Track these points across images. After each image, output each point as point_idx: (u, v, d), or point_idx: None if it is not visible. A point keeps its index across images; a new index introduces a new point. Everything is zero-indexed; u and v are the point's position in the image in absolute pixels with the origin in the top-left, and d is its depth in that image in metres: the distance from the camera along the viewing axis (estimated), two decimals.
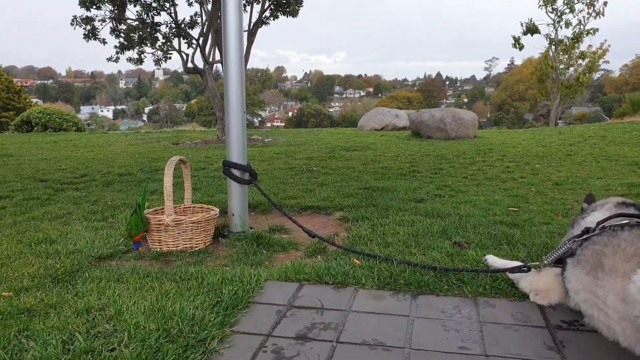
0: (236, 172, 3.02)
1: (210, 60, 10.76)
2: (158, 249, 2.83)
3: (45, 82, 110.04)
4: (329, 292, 2.15)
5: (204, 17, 10.91)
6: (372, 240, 2.82)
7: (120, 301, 2.03)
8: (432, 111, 9.79)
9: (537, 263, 1.98)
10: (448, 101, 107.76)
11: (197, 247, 2.87)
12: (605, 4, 19.41)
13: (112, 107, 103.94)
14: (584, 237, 1.78)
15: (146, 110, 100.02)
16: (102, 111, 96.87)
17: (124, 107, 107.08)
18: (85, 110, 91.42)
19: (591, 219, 1.93)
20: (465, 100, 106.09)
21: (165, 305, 1.97)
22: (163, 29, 10.63)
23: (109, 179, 5.27)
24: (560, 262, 1.87)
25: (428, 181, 4.76)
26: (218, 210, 3.06)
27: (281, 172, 5.52)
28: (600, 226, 1.77)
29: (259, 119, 74.80)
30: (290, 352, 1.65)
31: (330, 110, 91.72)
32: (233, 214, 3.08)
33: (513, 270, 2.04)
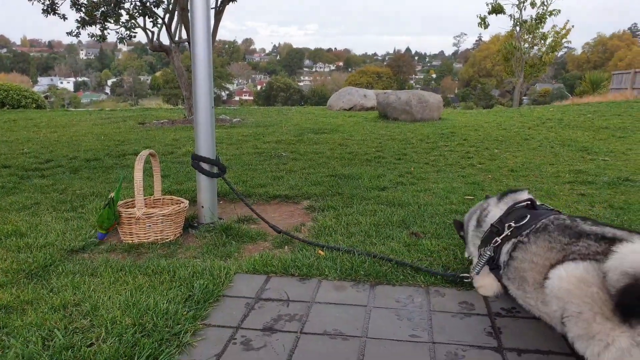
0: (205, 166, 3.12)
1: (177, 39, 10.57)
2: (130, 241, 2.92)
3: None
4: (294, 284, 2.31)
5: None
6: (336, 231, 2.98)
7: (95, 296, 2.14)
8: (398, 93, 9.97)
9: (467, 275, 2.22)
10: (417, 77, 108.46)
11: (167, 238, 2.97)
12: None
13: (73, 79, 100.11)
14: (497, 244, 2.02)
15: (109, 82, 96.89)
16: (61, 83, 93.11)
17: (85, 79, 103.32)
18: (43, 82, 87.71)
19: (487, 214, 2.22)
20: (434, 76, 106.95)
21: (139, 299, 2.09)
22: (127, 5, 10.33)
23: (76, 164, 5.25)
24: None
25: (392, 167, 4.96)
26: (187, 202, 3.16)
27: (250, 157, 5.62)
28: (512, 228, 1.99)
29: (227, 92, 73.63)
30: (258, 344, 1.81)
31: (299, 84, 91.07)
32: (202, 206, 3.19)
33: (448, 277, 2.26)
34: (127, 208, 3.01)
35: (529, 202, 2.11)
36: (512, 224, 1.99)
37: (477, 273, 2.11)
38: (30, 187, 4.24)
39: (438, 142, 6.79)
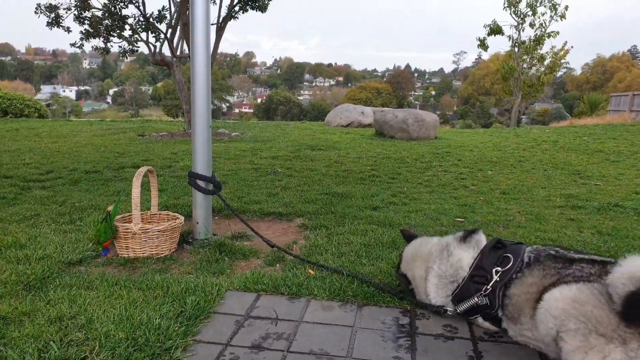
0: (201, 183, 3.20)
1: (179, 53, 10.74)
2: (125, 255, 2.99)
3: (3, 58, 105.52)
4: (284, 302, 2.38)
5: (173, 9, 10.86)
6: (327, 250, 3.05)
7: (90, 309, 2.20)
8: (395, 112, 10.11)
9: (451, 309, 2.16)
10: (416, 93, 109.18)
11: (162, 253, 3.04)
12: (566, 8, 20.18)
13: (75, 88, 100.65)
14: (489, 290, 2.01)
15: (111, 92, 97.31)
16: (64, 91, 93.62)
17: (87, 87, 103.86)
18: (46, 90, 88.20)
19: (459, 265, 2.15)
20: (433, 93, 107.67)
21: (133, 314, 2.16)
22: (130, 21, 10.51)
23: (76, 176, 5.33)
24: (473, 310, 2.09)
25: (385, 187, 5.05)
26: (183, 218, 3.23)
27: (246, 173, 5.70)
28: (500, 273, 2.00)
29: (227, 104, 74.02)
30: None
31: (299, 98, 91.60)
32: (197, 222, 3.26)
33: (433, 309, 2.22)
34: (124, 223, 3.09)
35: (498, 242, 2.14)
36: (499, 269, 2.00)
37: (464, 312, 2.12)
38: (31, 198, 4.32)
39: (433, 161, 6.89)
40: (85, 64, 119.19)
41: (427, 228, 3.53)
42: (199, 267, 2.83)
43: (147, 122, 14.46)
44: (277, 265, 2.90)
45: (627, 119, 20.34)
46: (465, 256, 2.14)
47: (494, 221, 3.80)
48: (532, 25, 20.52)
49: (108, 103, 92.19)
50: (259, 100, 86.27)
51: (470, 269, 2.09)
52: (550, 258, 1.91)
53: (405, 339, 2.04)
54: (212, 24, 10.22)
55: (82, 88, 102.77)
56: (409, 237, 2.56)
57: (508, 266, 1.98)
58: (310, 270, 2.71)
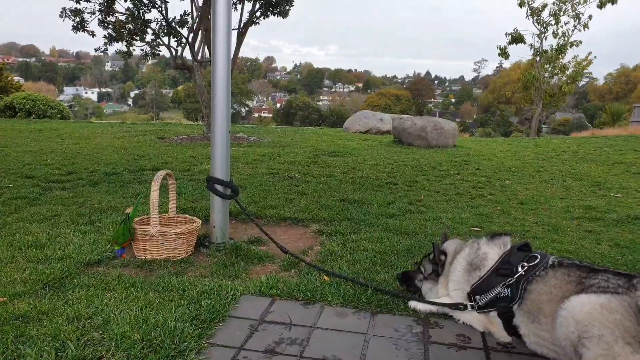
0: (219, 188, 3.24)
1: (200, 58, 10.87)
2: (143, 257, 3.03)
3: (28, 60, 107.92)
4: (298, 308, 2.39)
5: (195, 13, 11.01)
6: (342, 257, 3.06)
7: (107, 310, 2.24)
8: (414, 119, 10.08)
9: (472, 303, 2.19)
10: (436, 100, 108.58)
11: (179, 256, 3.08)
12: (590, 17, 19.89)
13: (97, 90, 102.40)
14: (513, 281, 2.05)
15: (132, 94, 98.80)
16: (86, 93, 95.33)
17: (109, 90, 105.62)
18: (68, 92, 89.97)
19: (485, 257, 2.22)
20: (453, 100, 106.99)
21: (149, 316, 2.19)
22: (153, 25, 10.69)
23: (96, 178, 5.43)
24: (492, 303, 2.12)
25: (402, 194, 5.03)
26: (200, 222, 3.27)
27: (264, 178, 5.74)
28: (526, 267, 2.04)
29: (246, 109, 74.62)
30: None
31: (318, 103, 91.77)
32: (214, 226, 3.29)
33: (452, 306, 2.27)
34: (142, 225, 3.13)
35: (525, 245, 2.21)
36: (525, 264, 2.06)
37: (483, 305, 2.14)
38: (52, 198, 4.41)
39: (451, 170, 6.84)
40: (108, 66, 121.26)
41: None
42: (214, 271, 2.85)
43: (167, 125, 14.65)
44: (293, 270, 2.91)
45: None
46: (491, 252, 2.24)
47: (510, 231, 3.75)
48: (555, 34, 20.27)
49: (129, 105, 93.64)
50: (278, 105, 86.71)
51: (495, 263, 2.17)
52: (574, 265, 1.96)
53: (418, 348, 2.03)
54: (233, 29, 10.34)
55: (103, 90, 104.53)
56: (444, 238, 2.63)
57: (534, 262, 2.05)
58: (325, 277, 2.72)
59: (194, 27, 10.95)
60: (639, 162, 7.94)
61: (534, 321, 1.93)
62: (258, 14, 11.11)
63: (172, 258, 3.04)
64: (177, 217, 3.46)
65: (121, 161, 6.80)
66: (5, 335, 1.99)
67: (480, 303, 2.14)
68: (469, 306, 2.19)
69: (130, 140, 10.06)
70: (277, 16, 11.47)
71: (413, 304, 2.39)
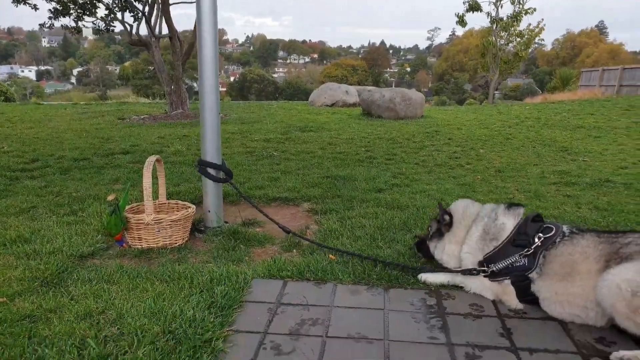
0: (212, 171, 3.17)
1: (157, 33, 10.45)
2: (139, 246, 2.95)
3: None
4: (311, 288, 2.40)
5: None
6: (342, 235, 3.08)
7: (118, 304, 2.18)
8: (382, 91, 10.12)
9: (486, 269, 2.27)
10: (392, 70, 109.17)
11: (176, 243, 3.02)
12: None
13: (35, 68, 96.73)
14: (531, 251, 2.14)
15: (75, 72, 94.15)
16: (22, 71, 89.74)
17: (48, 67, 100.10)
18: (3, 70, 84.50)
19: (502, 227, 2.30)
20: (409, 69, 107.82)
21: (163, 307, 2.14)
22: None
23: (65, 165, 5.19)
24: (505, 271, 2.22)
25: (384, 168, 5.08)
26: (194, 207, 3.20)
27: (242, 158, 5.65)
28: (542, 239, 2.14)
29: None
30: (287, 348, 1.90)
31: (274, 76, 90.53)
32: (209, 210, 3.24)
33: (464, 272, 2.35)
34: (135, 213, 3.04)
35: (537, 216, 2.31)
36: (542, 235, 2.15)
37: (497, 272, 2.22)
38: (23, 189, 4.19)
39: (424, 141, 6.95)
40: (45, 42, 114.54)
41: (433, 209, 3.59)
42: (216, 256, 2.82)
43: (124, 105, 14.11)
44: (294, 250, 2.91)
45: (597, 93, 20.82)
46: (508, 223, 2.31)
47: (495, 200, 3.87)
48: (512, 1, 20.64)
49: (72, 84, 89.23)
50: (232, 79, 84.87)
51: (510, 234, 2.25)
52: (591, 230, 2.11)
53: (436, 320, 2.10)
54: (182, 2, 9.92)
55: (42, 68, 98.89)
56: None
57: (550, 234, 2.14)
58: (331, 256, 2.74)
59: (150, 1, 10.48)
60: (597, 126, 8.32)
61: (562, 280, 2.03)
62: None
63: (169, 245, 2.98)
64: (169, 202, 3.37)
65: (87, 145, 6.53)
66: (18, 337, 1.91)
67: (494, 269, 2.22)
68: (481, 272, 2.27)
69: (89, 122, 9.65)
70: None
71: (423, 276, 2.45)
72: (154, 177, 3.33)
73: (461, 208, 2.53)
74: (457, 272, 2.38)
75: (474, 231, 2.39)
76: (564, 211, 3.59)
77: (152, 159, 3.04)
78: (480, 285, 2.30)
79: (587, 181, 4.49)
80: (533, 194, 4.06)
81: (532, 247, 2.14)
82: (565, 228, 2.17)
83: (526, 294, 2.15)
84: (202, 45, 3.06)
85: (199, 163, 3.19)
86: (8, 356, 1.81)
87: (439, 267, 2.54)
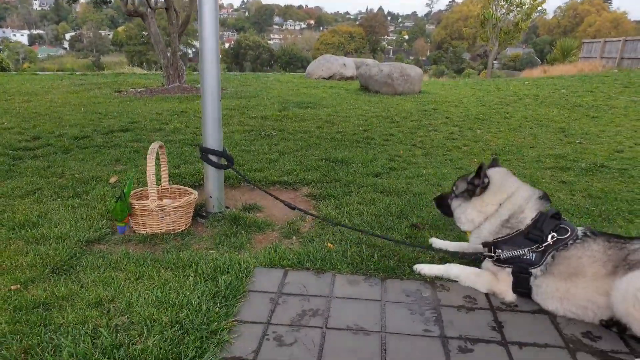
0: (213, 158, 3.22)
1: (153, 3, 10.27)
2: (143, 232, 3.04)
3: None
4: (311, 277, 2.50)
5: None
6: (340, 221, 3.16)
7: (126, 292, 2.27)
8: (380, 66, 10.06)
9: (492, 254, 2.34)
10: (389, 38, 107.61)
11: (179, 229, 3.10)
12: None
13: (27, 32, 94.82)
14: (541, 249, 2.21)
15: (67, 36, 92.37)
16: (14, 35, 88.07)
17: (40, 32, 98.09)
18: None
19: (522, 220, 2.34)
20: (406, 37, 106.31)
21: (170, 296, 2.24)
22: None
23: (66, 143, 5.22)
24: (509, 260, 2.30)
25: (381, 150, 5.14)
26: (196, 193, 3.27)
27: (240, 137, 5.69)
28: (555, 239, 2.21)
29: (193, 50, 71.62)
30: (289, 339, 2.01)
31: (269, 42, 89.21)
32: (210, 196, 3.31)
33: (470, 256, 2.47)
34: (138, 199, 3.12)
35: (556, 214, 2.33)
36: (555, 235, 2.21)
37: (503, 259, 2.31)
38: (27, 170, 4.24)
39: (422, 120, 6.99)
40: (36, 5, 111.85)
41: (430, 195, 3.67)
42: (218, 243, 2.90)
43: (120, 76, 13.98)
44: (294, 237, 3.00)
45: (597, 66, 20.70)
46: (528, 217, 2.32)
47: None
48: None
49: (65, 49, 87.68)
50: (226, 45, 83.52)
51: (527, 227, 2.29)
52: (605, 234, 2.18)
53: (431, 312, 2.21)
54: None
55: (34, 32, 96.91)
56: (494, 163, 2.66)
57: (565, 236, 2.20)
58: (329, 244, 2.83)
59: None
60: (595, 105, 8.35)
61: (567, 280, 2.12)
62: None
63: (172, 231, 3.06)
64: (171, 187, 3.44)
65: (86, 121, 6.53)
66: (34, 325, 2.00)
67: (501, 257, 2.30)
68: (487, 256, 2.35)
69: (86, 95, 9.59)
70: None
71: (418, 267, 2.55)
72: (157, 164, 3.39)
73: (498, 180, 2.45)
74: (464, 255, 2.51)
75: (501, 213, 2.38)
76: (559, 198, 3.68)
77: (155, 146, 3.09)
78: (474, 279, 2.41)
79: (582, 166, 4.57)
80: (528, 179, 4.13)
81: (543, 245, 2.21)
82: (580, 230, 2.23)
83: (522, 286, 2.25)
84: (202, 28, 3.06)
85: (201, 150, 3.24)
86: (26, 345, 1.90)
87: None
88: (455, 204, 2.59)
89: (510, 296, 2.30)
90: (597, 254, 2.09)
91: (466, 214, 2.50)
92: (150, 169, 3.00)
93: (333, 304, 2.27)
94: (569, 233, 2.20)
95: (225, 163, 3.29)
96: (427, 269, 2.54)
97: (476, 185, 2.47)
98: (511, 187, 2.42)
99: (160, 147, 3.24)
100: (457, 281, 2.46)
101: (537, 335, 2.04)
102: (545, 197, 2.38)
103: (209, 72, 3.13)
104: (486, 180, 2.45)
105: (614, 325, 2.01)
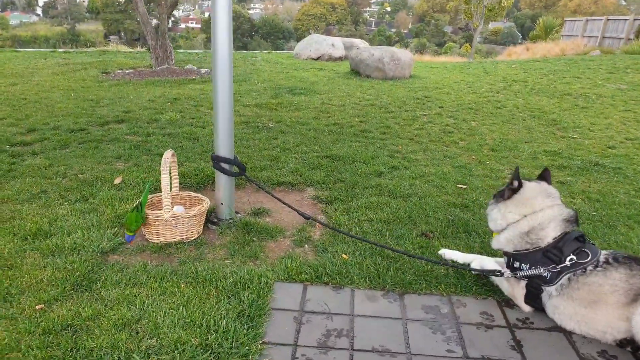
0: (225, 166, 3.23)
1: None
2: (156, 241, 3.05)
3: None
4: (330, 293, 2.57)
5: None
6: (350, 230, 3.22)
7: (151, 311, 2.30)
8: (371, 50, 10.01)
9: (510, 273, 2.43)
10: (371, 9, 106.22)
11: (192, 237, 3.12)
12: None
13: None
14: (557, 270, 2.29)
15: (40, 2, 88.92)
16: None
17: None
18: None
19: (542, 229, 2.39)
20: (389, 9, 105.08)
21: (195, 316, 2.27)
22: None
23: (63, 137, 5.13)
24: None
25: (380, 145, 5.19)
26: (208, 200, 3.28)
27: (238, 129, 5.66)
28: (573, 262, 2.27)
29: (172, 19, 69.82)
30: None
31: (250, 12, 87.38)
32: (222, 203, 3.33)
33: (489, 273, 2.56)
34: (152, 209, 3.12)
35: (581, 236, 2.37)
36: (574, 258, 2.27)
37: (520, 276, 2.39)
38: (28, 169, 4.17)
39: (416, 110, 7.03)
40: None
41: (435, 198, 3.75)
42: (232, 252, 2.93)
43: (105, 55, 13.61)
44: (306, 245, 3.05)
45: (580, 44, 20.93)
46: (550, 235, 2.37)
47: (493, 186, 4.06)
48: None
49: (38, 15, 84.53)
50: (206, 15, 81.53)
51: (547, 245, 2.35)
52: (631, 259, 2.22)
53: (452, 331, 2.30)
54: None
55: None
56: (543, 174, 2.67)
57: (584, 260, 2.26)
58: (344, 255, 2.89)
59: None
60: (584, 93, 8.49)
61: (587, 306, 2.20)
62: None
63: (185, 240, 3.09)
64: (181, 194, 3.44)
65: (79, 111, 6.40)
66: (66, 350, 2.03)
67: (517, 274, 2.38)
68: (505, 273, 2.44)
69: (72, 77, 9.35)
70: None
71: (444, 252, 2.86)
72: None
73: (529, 194, 2.48)
74: (481, 272, 2.62)
75: (522, 225, 2.43)
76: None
77: (167, 155, 3.08)
78: (501, 279, 2.54)
79: (578, 164, 4.69)
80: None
81: (559, 267, 2.27)
82: (602, 256, 2.27)
83: (533, 300, 2.37)
84: (216, 44, 3.03)
85: (213, 159, 3.24)
86: None
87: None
88: (491, 200, 2.70)
89: (523, 306, 2.43)
90: (619, 283, 2.16)
91: (492, 213, 2.61)
92: (165, 179, 2.99)
93: (356, 323, 2.34)
94: (589, 258, 2.26)
95: (237, 170, 3.30)
96: (448, 254, 2.80)
97: (508, 188, 2.55)
98: (540, 204, 2.44)
99: (172, 155, 3.23)
100: (472, 294, 2.56)
101: (555, 355, 2.15)
102: (572, 219, 2.41)
103: (221, 78, 3.11)
104: (515, 183, 2.51)
105: (628, 345, 2.13)
